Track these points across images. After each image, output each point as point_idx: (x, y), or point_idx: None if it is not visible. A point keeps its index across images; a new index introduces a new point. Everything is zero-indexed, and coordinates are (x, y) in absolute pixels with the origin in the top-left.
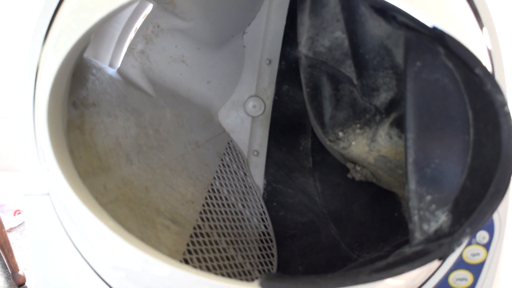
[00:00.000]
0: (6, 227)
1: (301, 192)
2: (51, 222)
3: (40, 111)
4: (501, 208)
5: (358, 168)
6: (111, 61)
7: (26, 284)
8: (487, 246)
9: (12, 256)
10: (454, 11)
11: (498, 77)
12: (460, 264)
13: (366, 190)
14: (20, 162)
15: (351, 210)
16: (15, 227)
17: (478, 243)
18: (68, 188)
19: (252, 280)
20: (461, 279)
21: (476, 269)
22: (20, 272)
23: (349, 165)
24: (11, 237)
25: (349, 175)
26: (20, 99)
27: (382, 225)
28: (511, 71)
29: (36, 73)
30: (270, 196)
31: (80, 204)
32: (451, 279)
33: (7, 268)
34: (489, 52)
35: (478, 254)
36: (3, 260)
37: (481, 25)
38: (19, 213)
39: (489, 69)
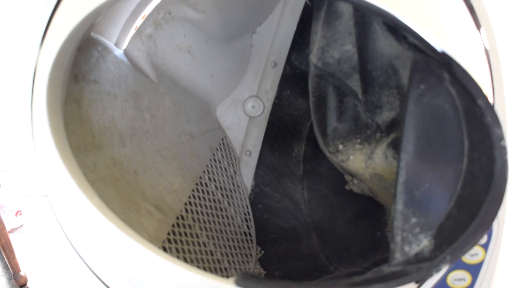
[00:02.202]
0: (8, 228)
1: (287, 198)
2: (50, 223)
3: (41, 81)
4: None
5: (355, 181)
6: (116, 41)
7: (28, 285)
8: (485, 246)
9: (14, 257)
10: (463, 35)
11: (495, 77)
12: (459, 264)
13: (353, 205)
14: (18, 163)
15: (335, 223)
16: (16, 228)
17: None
18: (59, 159)
19: (228, 277)
20: (459, 279)
21: (474, 269)
22: (21, 273)
23: (348, 177)
24: (13, 238)
25: (346, 187)
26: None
27: (363, 242)
28: (508, 71)
29: (35, 67)
30: (257, 198)
31: (68, 177)
32: (450, 279)
33: (8, 269)
34: (486, 52)
35: (476, 254)
36: (4, 261)
37: (478, 25)
38: (21, 214)
39: (487, 70)
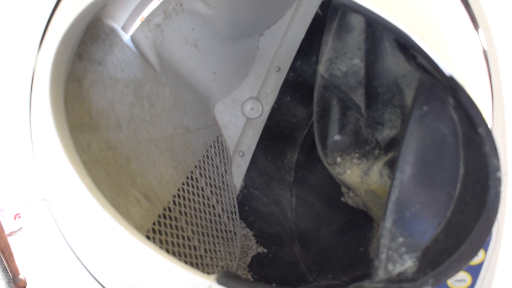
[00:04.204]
0: (7, 231)
1: (275, 203)
2: (49, 227)
3: (46, 57)
4: (499, 210)
5: (351, 194)
6: (124, 25)
7: None
8: (485, 247)
9: (13, 260)
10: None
11: (493, 77)
12: None
13: (339, 219)
14: (17, 167)
15: (319, 234)
16: (15, 231)
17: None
18: (55, 136)
19: (209, 274)
20: (460, 281)
21: (474, 270)
22: (21, 276)
23: (344, 190)
24: (12, 241)
25: (342, 199)
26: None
27: (345, 256)
28: (507, 71)
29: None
30: (244, 200)
31: (63, 155)
32: (450, 280)
33: (8, 272)
34: (485, 52)
35: (476, 255)
36: (3, 264)
37: (476, 26)
38: (19, 217)
39: (485, 69)
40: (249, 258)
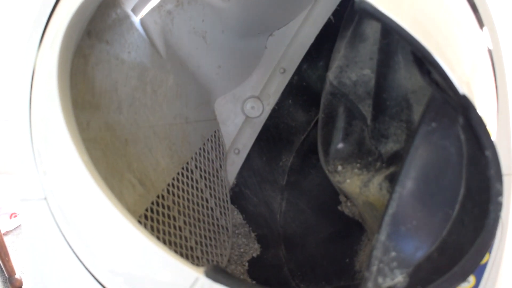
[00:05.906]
0: (2, 231)
1: (265, 204)
2: (48, 227)
3: (55, 34)
4: (503, 209)
5: (349, 203)
6: (134, 8)
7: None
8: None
9: (9, 260)
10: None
11: (498, 75)
12: None
13: (327, 227)
14: (16, 166)
15: (306, 240)
16: (11, 230)
17: None
18: (58, 109)
19: (198, 266)
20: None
21: (478, 271)
22: (17, 276)
23: (342, 198)
24: (7, 241)
25: (339, 207)
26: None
27: (330, 265)
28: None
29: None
30: (234, 198)
31: (65, 129)
32: None
33: (3, 272)
34: (490, 51)
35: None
36: None
37: (481, 24)
38: (15, 216)
39: (490, 68)
40: (246, 263)
